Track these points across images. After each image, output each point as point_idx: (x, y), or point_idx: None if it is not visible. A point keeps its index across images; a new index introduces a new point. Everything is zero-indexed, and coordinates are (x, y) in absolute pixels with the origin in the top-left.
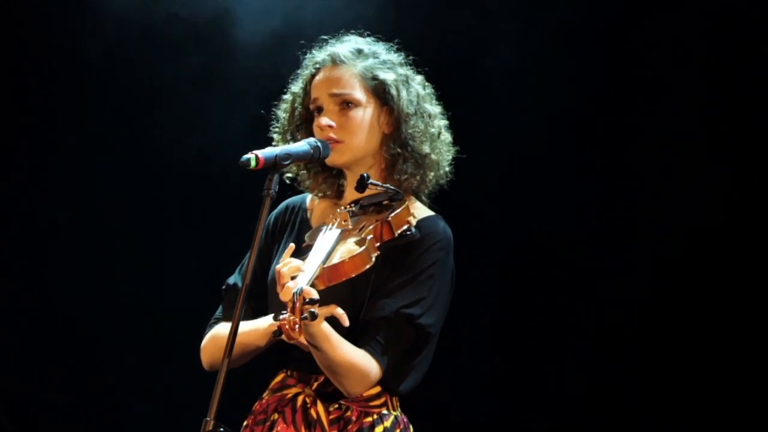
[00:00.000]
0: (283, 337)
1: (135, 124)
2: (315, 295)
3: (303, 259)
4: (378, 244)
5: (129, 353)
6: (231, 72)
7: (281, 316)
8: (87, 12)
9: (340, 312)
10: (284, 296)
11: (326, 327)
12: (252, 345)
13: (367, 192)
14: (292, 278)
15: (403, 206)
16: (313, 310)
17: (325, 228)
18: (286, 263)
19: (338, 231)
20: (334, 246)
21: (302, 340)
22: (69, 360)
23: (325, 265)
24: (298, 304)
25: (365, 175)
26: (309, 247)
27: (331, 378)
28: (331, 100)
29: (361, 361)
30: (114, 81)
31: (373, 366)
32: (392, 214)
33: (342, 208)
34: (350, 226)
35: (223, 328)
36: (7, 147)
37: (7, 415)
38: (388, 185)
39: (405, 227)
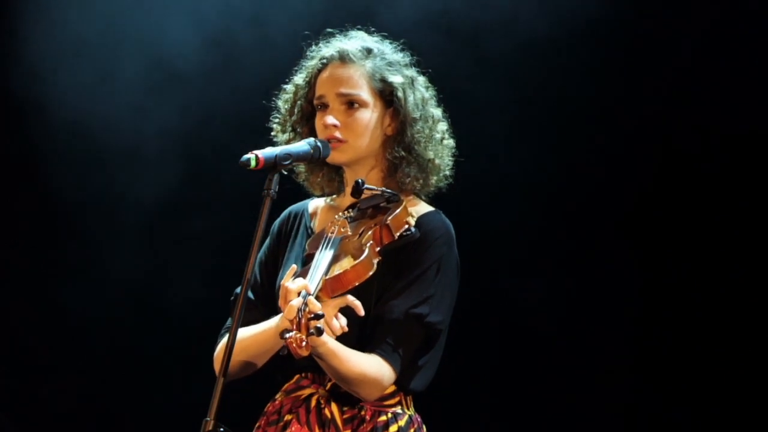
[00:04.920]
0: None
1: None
2: (320, 310)
3: (306, 270)
4: (378, 248)
5: (128, 353)
6: None
7: (287, 335)
8: None
9: (351, 299)
10: (289, 314)
11: (332, 343)
12: (264, 346)
13: (364, 195)
14: (298, 294)
15: (401, 207)
16: (319, 325)
17: (325, 237)
18: (293, 280)
19: (338, 239)
20: (335, 255)
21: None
22: (69, 360)
23: (328, 277)
24: (303, 320)
25: (360, 180)
26: (311, 256)
27: (344, 387)
28: (337, 98)
29: (372, 369)
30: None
31: (386, 370)
32: (390, 217)
33: (340, 214)
34: (349, 233)
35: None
36: None
37: (8, 415)
38: (383, 188)
39: (404, 228)
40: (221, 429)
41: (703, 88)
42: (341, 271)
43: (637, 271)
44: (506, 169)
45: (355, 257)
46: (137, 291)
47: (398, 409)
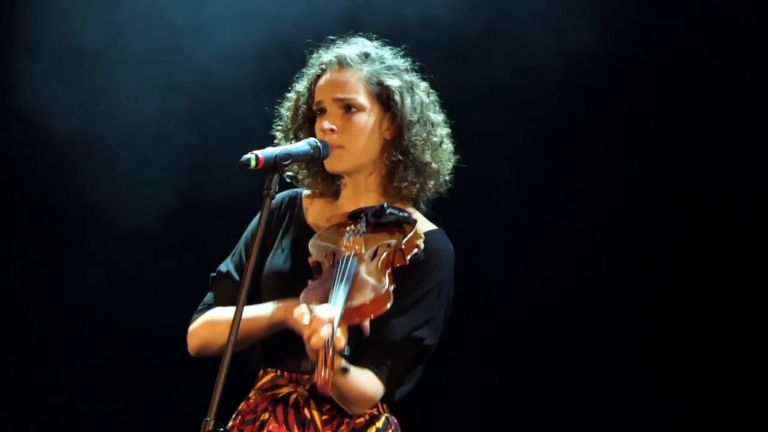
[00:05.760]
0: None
1: None
2: (344, 346)
3: (321, 288)
4: (389, 270)
5: (127, 353)
6: None
7: (316, 378)
8: None
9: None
10: (317, 343)
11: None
12: (252, 334)
13: (369, 202)
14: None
15: (413, 230)
16: (345, 365)
17: (341, 258)
18: (321, 308)
19: (355, 263)
20: (353, 282)
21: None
22: (68, 361)
23: (350, 306)
24: (329, 357)
25: (384, 205)
26: (317, 266)
27: (338, 402)
28: (334, 103)
29: (369, 387)
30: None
31: (380, 388)
32: (405, 241)
33: (351, 228)
34: (363, 251)
35: (217, 314)
36: None
37: (8, 415)
38: (403, 214)
39: (415, 251)
40: (221, 429)
41: (703, 104)
42: (362, 302)
43: (638, 271)
44: (512, 173)
45: (374, 287)
46: (137, 292)
47: (375, 411)
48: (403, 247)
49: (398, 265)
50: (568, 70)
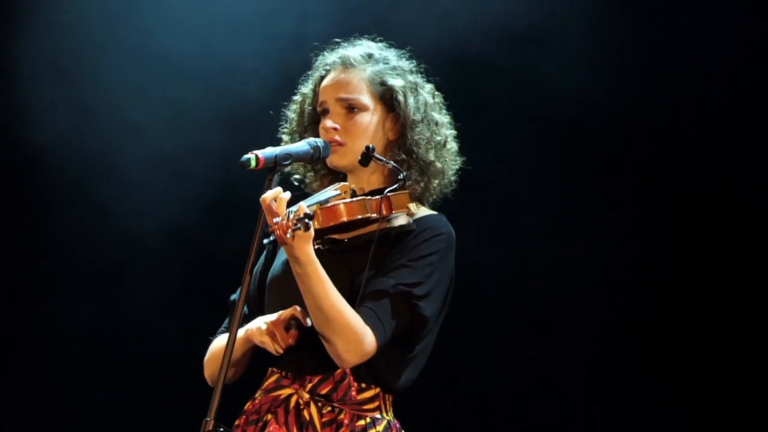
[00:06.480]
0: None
1: None
2: (309, 210)
3: None
4: (376, 211)
5: (128, 354)
6: None
7: (275, 219)
8: None
9: (298, 310)
10: (280, 208)
11: (321, 270)
12: (240, 349)
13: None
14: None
15: (404, 192)
16: (308, 221)
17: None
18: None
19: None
20: (329, 198)
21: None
22: (69, 361)
23: (324, 206)
24: (292, 215)
25: (370, 146)
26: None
27: (324, 338)
28: (337, 103)
29: (354, 322)
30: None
31: (368, 333)
32: (392, 192)
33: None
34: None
35: (218, 341)
36: None
37: (7, 415)
38: (392, 162)
39: (404, 211)
40: (221, 429)
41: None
42: (335, 203)
43: (640, 270)
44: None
45: (351, 199)
46: (137, 294)
47: (377, 414)
48: (390, 195)
49: (386, 214)
50: (575, 76)
